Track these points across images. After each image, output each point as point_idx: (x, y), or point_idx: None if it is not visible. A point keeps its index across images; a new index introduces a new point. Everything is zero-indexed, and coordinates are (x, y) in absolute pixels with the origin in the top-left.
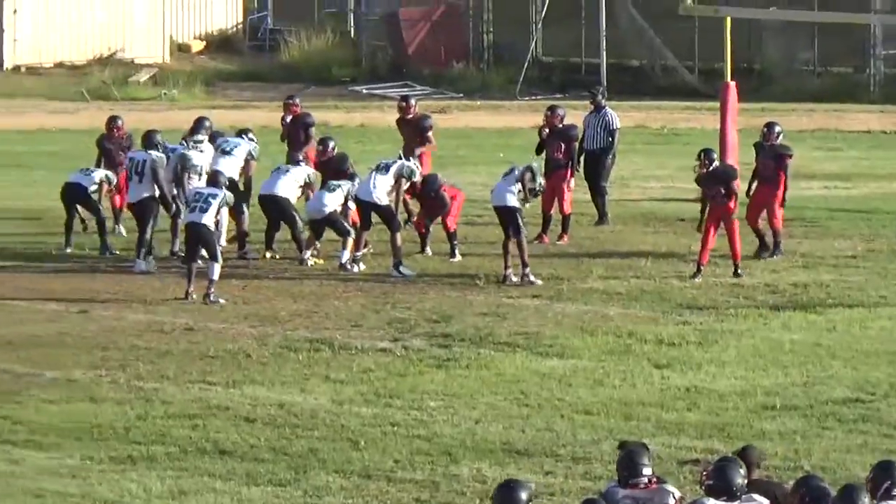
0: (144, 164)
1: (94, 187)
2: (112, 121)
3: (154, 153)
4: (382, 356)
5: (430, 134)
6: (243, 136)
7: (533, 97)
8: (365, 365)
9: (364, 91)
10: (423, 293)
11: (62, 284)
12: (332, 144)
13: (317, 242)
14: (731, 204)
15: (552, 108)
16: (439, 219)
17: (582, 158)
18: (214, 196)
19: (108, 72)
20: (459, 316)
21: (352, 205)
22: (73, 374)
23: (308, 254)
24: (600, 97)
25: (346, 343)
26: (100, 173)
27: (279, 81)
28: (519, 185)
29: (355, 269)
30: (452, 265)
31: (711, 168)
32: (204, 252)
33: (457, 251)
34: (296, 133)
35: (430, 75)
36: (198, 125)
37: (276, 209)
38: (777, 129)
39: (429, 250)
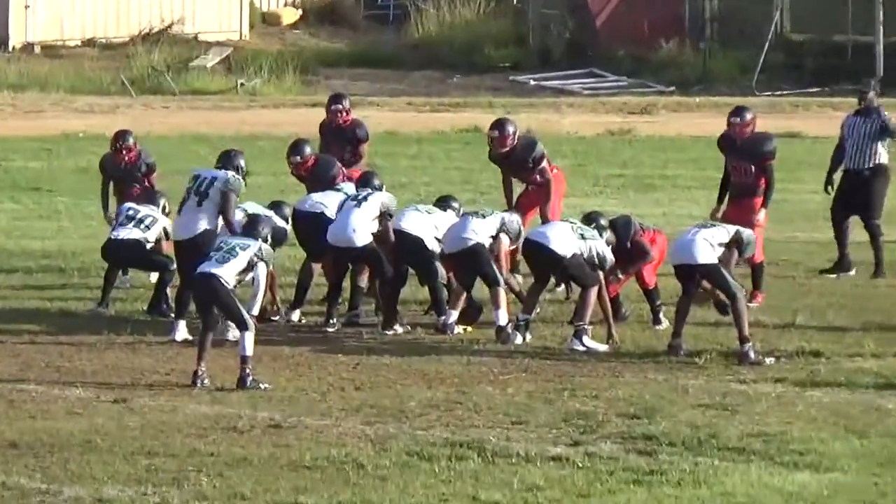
0: (213, 183)
1: (151, 242)
2: (119, 138)
3: (231, 174)
4: (556, 467)
5: (543, 166)
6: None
7: (778, 92)
8: (530, 479)
9: (532, 83)
10: (616, 376)
11: (92, 361)
12: (308, 150)
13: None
14: None
15: (738, 111)
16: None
17: (837, 179)
18: (245, 247)
19: (159, 53)
20: (668, 409)
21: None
22: (106, 491)
23: (453, 317)
24: (872, 94)
25: (503, 448)
26: (160, 223)
27: (408, 68)
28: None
29: (518, 339)
30: (658, 336)
31: None
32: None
33: (661, 316)
34: (339, 149)
35: (628, 59)
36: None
37: (409, 253)
38: None
39: (625, 313)
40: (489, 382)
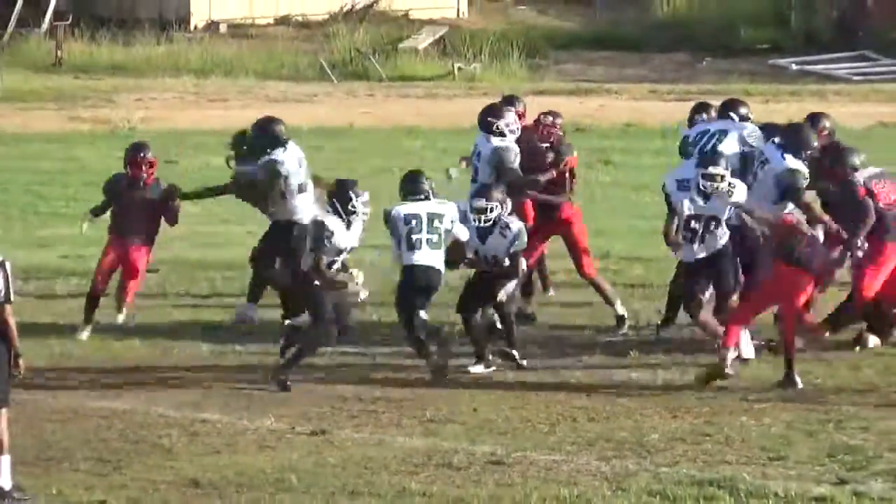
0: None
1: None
2: (137, 151)
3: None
4: None
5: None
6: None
7: None
8: None
9: (793, 67)
10: (891, 404)
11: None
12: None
13: None
14: None
15: None
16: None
17: None
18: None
19: (363, 33)
20: None
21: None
22: None
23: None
24: None
25: (758, 487)
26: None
27: (652, 50)
28: None
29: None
30: None
31: None
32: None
33: None
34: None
35: None
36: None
37: None
38: None
39: None
40: (742, 412)
